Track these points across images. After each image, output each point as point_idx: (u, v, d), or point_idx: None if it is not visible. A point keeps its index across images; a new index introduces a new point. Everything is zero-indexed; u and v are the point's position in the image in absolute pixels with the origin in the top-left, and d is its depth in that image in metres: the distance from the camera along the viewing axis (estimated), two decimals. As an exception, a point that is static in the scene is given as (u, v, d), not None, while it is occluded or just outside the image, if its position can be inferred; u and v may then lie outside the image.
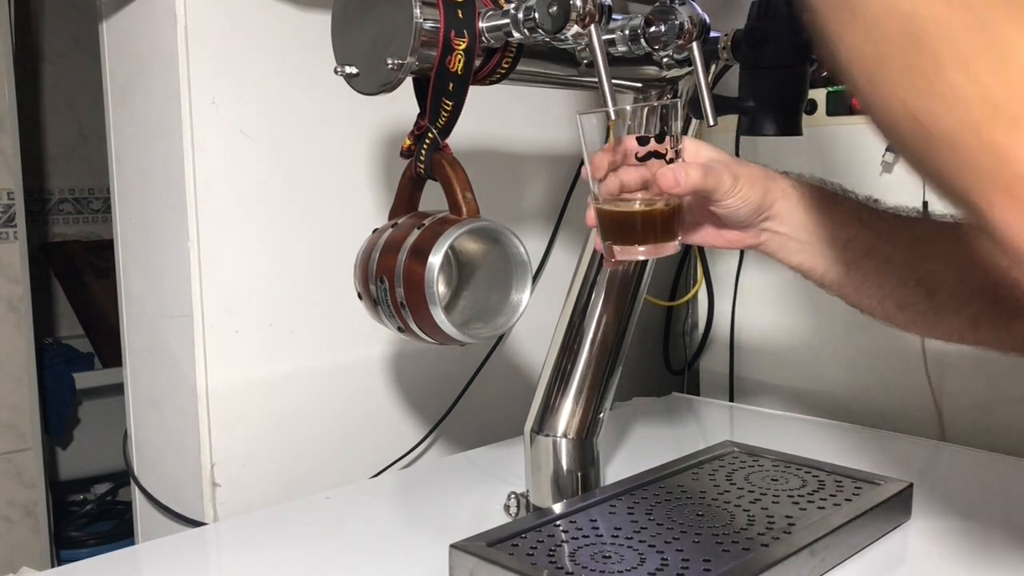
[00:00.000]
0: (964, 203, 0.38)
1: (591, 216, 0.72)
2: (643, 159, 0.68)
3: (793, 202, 0.72)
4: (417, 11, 0.70)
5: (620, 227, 0.70)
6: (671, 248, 0.70)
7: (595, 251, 0.94)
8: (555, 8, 0.70)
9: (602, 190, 0.70)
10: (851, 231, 0.72)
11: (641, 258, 0.71)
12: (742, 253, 1.38)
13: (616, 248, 0.70)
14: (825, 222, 0.72)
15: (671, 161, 0.68)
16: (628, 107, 0.69)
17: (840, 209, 0.73)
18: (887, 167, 1.19)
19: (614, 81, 0.71)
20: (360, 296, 0.80)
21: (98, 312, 2.41)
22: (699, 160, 0.70)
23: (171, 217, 1.05)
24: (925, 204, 1.15)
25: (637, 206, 0.69)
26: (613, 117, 0.69)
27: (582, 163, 0.72)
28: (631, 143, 0.69)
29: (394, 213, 0.81)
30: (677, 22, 0.78)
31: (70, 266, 2.49)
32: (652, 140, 0.68)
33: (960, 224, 0.72)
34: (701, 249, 1.44)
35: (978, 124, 0.35)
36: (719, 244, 0.77)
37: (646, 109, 0.71)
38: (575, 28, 0.70)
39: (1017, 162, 0.34)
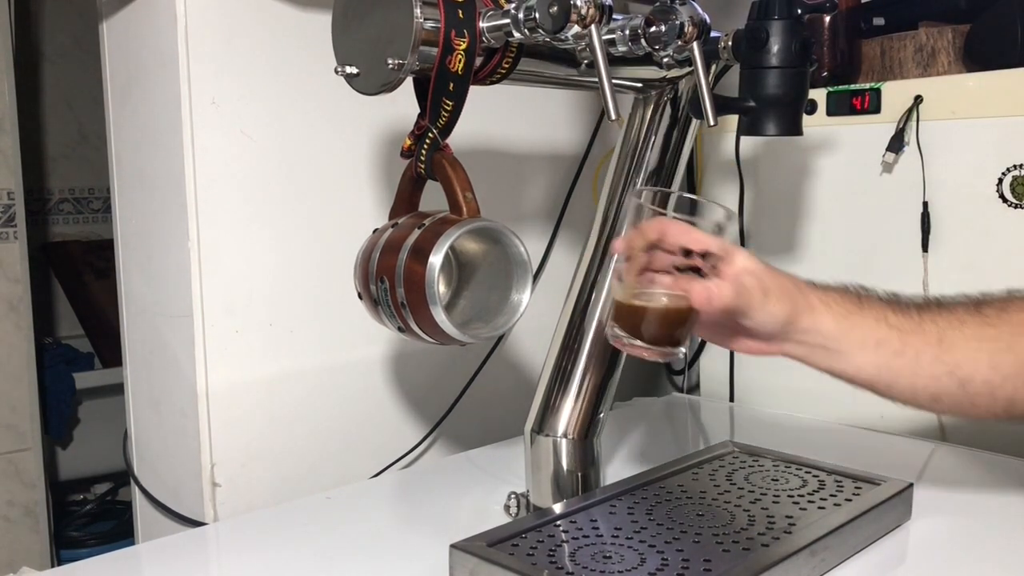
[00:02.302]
0: None
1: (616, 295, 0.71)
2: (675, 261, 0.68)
3: (820, 315, 0.73)
4: (417, 11, 0.70)
5: (632, 317, 0.69)
6: (675, 355, 0.70)
7: (595, 251, 0.94)
8: (555, 8, 0.70)
9: (626, 273, 0.69)
10: (879, 334, 0.73)
11: (644, 356, 0.70)
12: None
13: (621, 334, 0.70)
14: (853, 329, 0.73)
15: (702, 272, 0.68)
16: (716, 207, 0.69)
17: (867, 313, 0.73)
18: (887, 167, 1.19)
19: (614, 81, 0.71)
20: (360, 296, 0.80)
21: (98, 312, 2.41)
22: (733, 271, 0.70)
23: (171, 217, 1.05)
24: (925, 204, 1.16)
25: (658, 301, 0.69)
26: (613, 117, 0.69)
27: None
28: (673, 233, 0.68)
29: (394, 213, 0.81)
30: (677, 22, 0.79)
31: (70, 266, 2.49)
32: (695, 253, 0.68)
33: (982, 305, 0.73)
34: (701, 249, 1.44)
35: None
36: (742, 350, 0.77)
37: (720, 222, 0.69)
38: (575, 28, 0.70)
39: None
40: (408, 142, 0.78)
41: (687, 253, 0.68)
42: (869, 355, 0.73)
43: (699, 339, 1.46)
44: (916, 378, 0.73)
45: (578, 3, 0.69)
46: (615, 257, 0.71)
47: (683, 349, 0.71)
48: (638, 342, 0.69)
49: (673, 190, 0.70)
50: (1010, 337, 0.72)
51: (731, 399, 1.42)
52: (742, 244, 1.38)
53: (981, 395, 0.73)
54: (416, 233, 0.73)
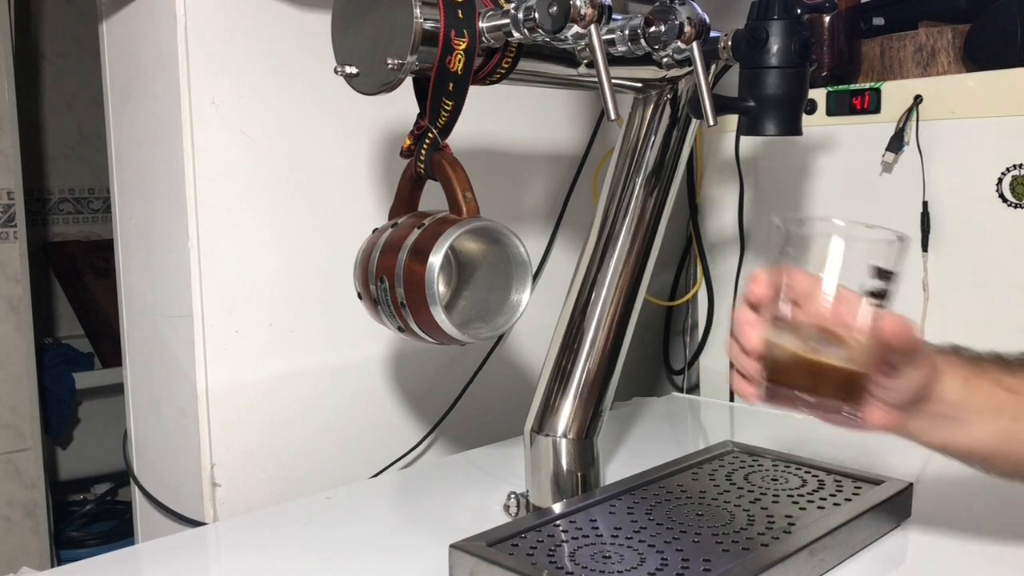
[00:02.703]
0: None
1: (753, 342, 0.63)
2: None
3: (946, 379, 0.66)
4: (417, 11, 0.70)
5: (808, 375, 0.61)
6: (852, 421, 0.63)
7: (595, 251, 0.94)
8: (555, 8, 0.70)
9: (797, 320, 0.61)
10: (997, 399, 0.67)
11: (830, 421, 0.63)
12: (742, 252, 1.38)
13: (782, 391, 0.63)
14: (975, 393, 0.67)
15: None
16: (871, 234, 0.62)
17: (985, 375, 0.68)
18: (887, 167, 1.19)
19: (614, 81, 0.71)
20: (360, 296, 0.80)
21: (98, 312, 2.41)
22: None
23: (171, 217, 1.05)
24: (925, 204, 1.16)
25: (837, 360, 0.61)
26: (613, 117, 0.69)
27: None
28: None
29: (394, 213, 0.81)
30: (677, 22, 0.78)
31: (70, 266, 2.49)
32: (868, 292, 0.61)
33: None
34: (701, 249, 1.44)
35: None
36: (871, 423, 0.66)
37: (883, 242, 0.63)
38: (575, 28, 0.70)
39: None
40: (408, 142, 0.78)
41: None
42: (988, 423, 0.67)
43: (699, 339, 1.47)
44: None
45: (578, 3, 0.69)
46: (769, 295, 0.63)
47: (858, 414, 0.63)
48: (821, 401, 0.62)
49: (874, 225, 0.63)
50: None
51: (731, 399, 1.42)
52: (742, 245, 1.38)
53: None
54: (416, 233, 0.73)
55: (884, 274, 0.62)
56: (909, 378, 0.64)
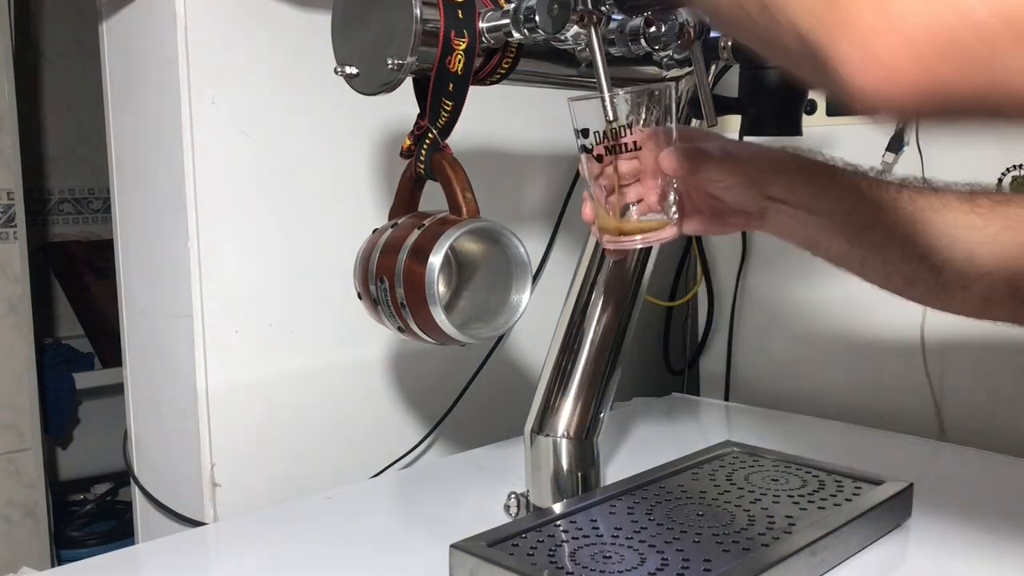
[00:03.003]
0: (804, 47, 0.37)
1: (587, 212, 0.72)
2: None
3: (791, 178, 0.70)
4: (417, 11, 0.70)
5: (620, 228, 0.70)
6: (669, 233, 0.69)
7: (595, 251, 0.94)
8: (555, 8, 0.70)
9: (596, 190, 0.70)
10: (850, 203, 0.70)
11: (640, 246, 0.71)
12: (743, 254, 1.38)
13: (613, 240, 0.71)
14: (824, 195, 0.70)
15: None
16: (622, 92, 0.68)
17: (839, 181, 0.70)
18: (887, 167, 1.19)
19: (613, 80, 0.71)
20: (360, 296, 0.80)
21: (98, 312, 2.41)
22: (694, 135, 0.69)
23: (171, 217, 1.05)
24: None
25: (635, 215, 0.69)
26: (611, 117, 0.69)
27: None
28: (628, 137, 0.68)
29: (394, 213, 0.81)
30: (677, 22, 0.78)
31: (70, 266, 2.49)
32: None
33: (978, 195, 0.69)
34: (701, 249, 1.44)
35: None
36: (720, 230, 0.75)
37: (645, 95, 0.69)
38: (575, 28, 0.70)
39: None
40: (408, 142, 0.78)
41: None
42: (839, 226, 0.70)
43: (699, 339, 1.47)
44: (887, 254, 0.70)
45: (578, 3, 0.69)
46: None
47: (674, 229, 0.70)
48: (638, 238, 0.69)
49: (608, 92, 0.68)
50: (998, 230, 0.67)
51: (731, 399, 1.42)
52: (744, 245, 1.38)
53: (953, 286, 0.69)
54: (416, 233, 0.73)
55: (582, 131, 0.68)
56: (730, 182, 0.69)
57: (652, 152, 0.67)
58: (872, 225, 0.69)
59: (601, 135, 0.68)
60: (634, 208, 0.70)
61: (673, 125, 0.69)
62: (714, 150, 0.69)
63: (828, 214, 0.70)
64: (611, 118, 0.68)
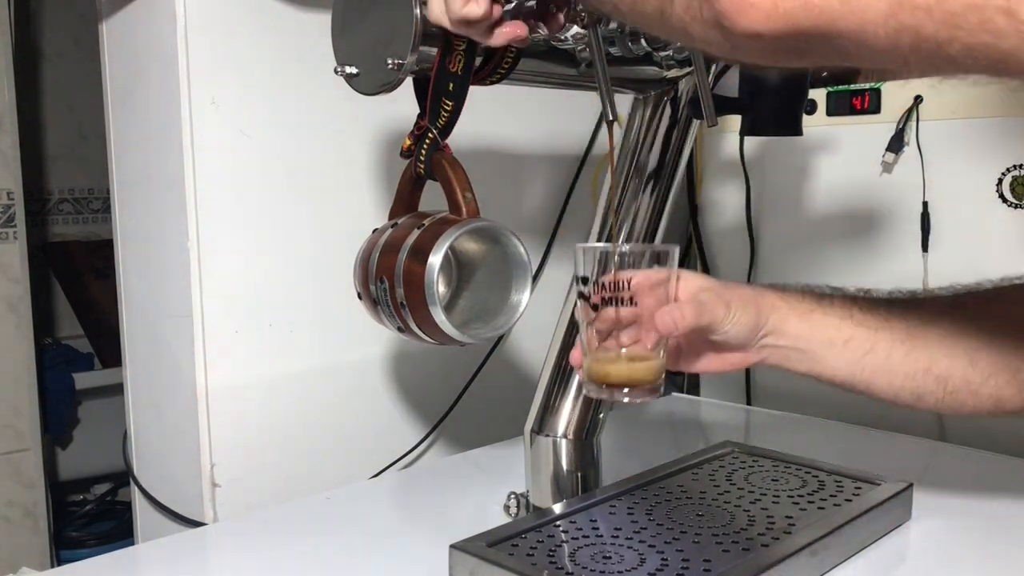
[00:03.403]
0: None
1: (576, 356, 0.72)
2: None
3: (784, 314, 0.72)
4: (417, 11, 0.70)
5: (617, 376, 0.70)
6: (655, 392, 0.70)
7: (595, 251, 0.94)
8: (555, 8, 0.70)
9: (589, 335, 0.70)
10: (847, 331, 0.72)
11: (624, 400, 0.71)
12: (753, 253, 1.38)
13: (597, 388, 0.70)
14: (820, 327, 0.72)
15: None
16: (626, 247, 0.70)
17: (831, 311, 0.73)
18: (887, 167, 1.19)
19: (613, 81, 0.71)
20: (360, 296, 0.80)
21: (98, 312, 2.41)
22: (689, 292, 0.70)
23: (171, 217, 1.05)
24: (925, 204, 1.16)
25: (624, 360, 0.69)
26: (611, 118, 0.69)
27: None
28: (628, 277, 0.68)
29: (394, 213, 0.81)
30: (677, 22, 0.78)
31: (70, 266, 2.49)
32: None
33: (964, 299, 0.72)
34: (701, 249, 1.44)
35: None
36: (723, 368, 0.75)
37: (640, 251, 0.71)
38: (575, 28, 0.70)
39: None
40: (408, 142, 0.78)
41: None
42: (839, 354, 0.72)
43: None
44: (892, 376, 0.72)
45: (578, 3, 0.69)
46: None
47: (661, 390, 0.71)
48: (625, 391, 0.70)
49: (615, 245, 0.71)
50: (991, 330, 0.70)
51: (731, 399, 1.42)
52: (752, 245, 1.38)
53: (962, 392, 0.71)
54: (416, 233, 0.73)
55: (582, 279, 0.69)
56: (731, 326, 0.70)
57: (649, 305, 0.68)
58: (872, 350, 0.71)
59: (600, 286, 0.68)
60: (624, 352, 0.70)
61: (672, 278, 0.69)
62: (711, 299, 0.70)
63: (827, 346, 0.72)
64: (611, 118, 0.69)
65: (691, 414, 1.40)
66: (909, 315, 0.72)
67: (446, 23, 0.66)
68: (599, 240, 0.92)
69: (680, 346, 0.73)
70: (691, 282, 0.71)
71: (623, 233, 0.93)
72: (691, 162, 1.41)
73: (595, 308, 0.69)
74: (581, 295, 0.70)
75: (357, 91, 0.76)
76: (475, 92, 0.75)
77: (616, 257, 0.68)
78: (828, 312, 0.72)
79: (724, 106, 0.84)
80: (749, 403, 1.41)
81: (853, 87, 1.22)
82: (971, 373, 0.70)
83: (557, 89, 0.90)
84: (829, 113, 1.24)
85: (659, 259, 0.70)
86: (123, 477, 1.33)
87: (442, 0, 0.65)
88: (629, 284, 0.67)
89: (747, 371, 1.41)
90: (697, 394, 1.49)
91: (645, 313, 0.68)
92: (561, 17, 0.70)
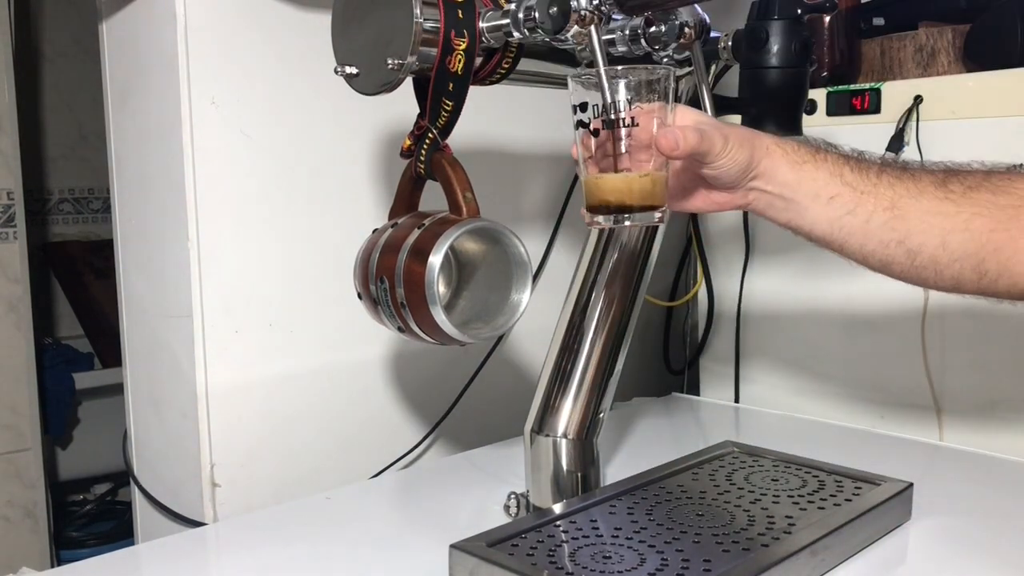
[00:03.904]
0: None
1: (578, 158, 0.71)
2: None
3: (777, 159, 0.72)
4: (417, 11, 0.70)
5: (616, 192, 0.69)
6: (657, 216, 0.69)
7: (595, 251, 0.94)
8: (555, 8, 0.70)
9: (589, 164, 0.69)
10: (833, 189, 0.72)
11: (627, 223, 0.70)
12: (747, 254, 1.38)
13: (601, 218, 0.70)
14: (808, 179, 0.72)
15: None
16: (622, 72, 0.68)
17: (823, 166, 0.73)
18: (887, 167, 1.19)
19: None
20: (360, 296, 0.80)
21: (98, 312, 2.41)
22: (688, 122, 0.70)
23: (171, 217, 1.05)
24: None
25: (624, 178, 0.68)
26: (612, 117, 0.69)
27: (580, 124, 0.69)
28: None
29: (394, 213, 0.81)
30: (677, 22, 0.78)
31: (70, 266, 2.49)
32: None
33: (951, 180, 0.71)
34: (701, 249, 1.44)
35: None
36: (708, 208, 0.76)
37: (644, 78, 0.69)
38: (575, 28, 0.70)
39: None
40: (408, 142, 0.78)
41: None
42: (822, 209, 0.72)
43: (699, 339, 1.47)
44: (867, 240, 0.73)
45: (578, 4, 0.69)
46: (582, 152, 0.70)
47: (664, 211, 0.70)
48: (628, 216, 0.69)
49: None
50: (968, 218, 0.70)
51: (732, 399, 1.42)
52: (747, 245, 1.38)
53: (927, 269, 0.72)
54: (416, 233, 0.73)
55: (581, 105, 0.68)
56: (726, 160, 0.70)
57: (648, 128, 0.68)
58: (853, 211, 0.72)
59: (600, 109, 0.67)
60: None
61: (670, 106, 0.69)
62: (711, 130, 0.70)
63: (812, 198, 0.72)
64: (612, 117, 0.68)
65: (691, 414, 1.40)
66: (897, 185, 0.72)
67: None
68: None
69: (669, 179, 0.73)
70: (689, 114, 0.71)
71: (623, 234, 0.93)
72: (691, 162, 1.41)
73: (595, 134, 0.68)
74: (580, 123, 0.69)
75: (357, 91, 0.76)
76: (475, 92, 0.75)
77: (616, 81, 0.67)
78: (820, 166, 0.73)
79: (724, 106, 0.84)
80: (749, 403, 1.41)
81: (853, 87, 1.22)
82: (940, 253, 0.71)
83: (557, 89, 0.90)
84: (829, 113, 1.24)
85: (657, 84, 0.69)
86: (123, 477, 1.33)
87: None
88: (631, 104, 0.67)
89: (736, 372, 1.41)
90: (697, 394, 1.49)
91: (645, 136, 0.68)
92: None
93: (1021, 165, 0.77)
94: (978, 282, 0.71)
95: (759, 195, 0.73)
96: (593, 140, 0.68)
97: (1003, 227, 0.70)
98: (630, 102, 0.67)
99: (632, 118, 0.67)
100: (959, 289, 0.73)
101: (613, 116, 0.67)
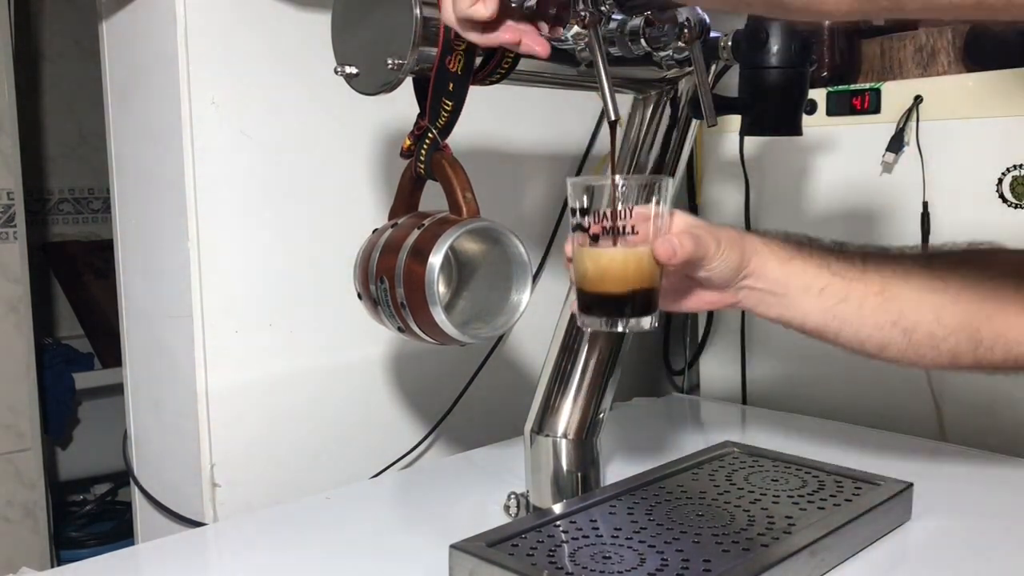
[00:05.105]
0: None
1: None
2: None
3: (765, 257, 0.74)
4: (417, 11, 0.70)
5: (602, 302, 0.69)
6: (647, 324, 0.70)
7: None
8: (555, 9, 0.70)
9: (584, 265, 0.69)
10: (822, 280, 0.74)
11: (619, 329, 0.70)
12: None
13: (590, 320, 0.70)
14: (798, 273, 0.74)
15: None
16: (621, 179, 0.68)
17: (810, 260, 0.75)
18: (887, 167, 1.19)
19: (614, 81, 0.71)
20: (360, 296, 0.80)
21: (98, 312, 2.41)
22: (682, 227, 0.71)
23: (171, 217, 1.05)
24: (925, 204, 1.16)
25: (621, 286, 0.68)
26: (613, 118, 0.69)
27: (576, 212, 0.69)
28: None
29: (394, 213, 0.81)
30: (677, 22, 0.78)
31: (70, 266, 2.49)
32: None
33: (935, 260, 0.73)
34: (701, 249, 1.43)
35: None
36: (700, 307, 0.78)
37: (636, 183, 0.70)
38: (575, 28, 0.70)
39: None
40: (408, 142, 0.78)
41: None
42: (814, 301, 0.74)
43: (699, 339, 1.47)
44: (862, 326, 0.74)
45: (578, 4, 0.69)
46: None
47: (655, 319, 0.70)
48: (615, 319, 0.69)
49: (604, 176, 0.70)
50: (958, 291, 0.72)
51: (731, 399, 1.42)
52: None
53: (924, 346, 0.74)
54: (416, 233, 0.73)
55: (582, 211, 0.68)
56: (719, 262, 0.71)
57: (645, 235, 0.69)
58: (846, 299, 0.74)
59: (600, 215, 0.68)
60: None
61: (666, 211, 0.70)
62: (704, 234, 0.71)
63: (803, 291, 0.74)
64: (612, 118, 0.68)
65: (691, 414, 1.40)
66: (884, 269, 0.74)
67: (452, 23, 0.65)
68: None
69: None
70: (682, 218, 0.72)
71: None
72: (691, 162, 1.41)
73: (595, 239, 0.68)
74: (578, 227, 0.68)
75: (357, 91, 0.76)
76: (475, 92, 0.75)
77: (615, 189, 0.67)
78: (807, 260, 0.74)
79: (724, 106, 0.84)
80: (748, 403, 1.41)
81: (853, 87, 1.22)
82: (936, 328, 0.73)
83: (557, 89, 0.90)
84: (829, 113, 1.24)
85: (654, 190, 0.69)
86: (123, 477, 1.33)
87: (450, 0, 0.65)
88: (631, 213, 0.67)
89: (743, 372, 1.41)
90: (697, 394, 1.49)
91: (641, 241, 0.68)
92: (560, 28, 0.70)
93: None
94: (974, 352, 0.73)
95: (749, 292, 0.75)
96: (592, 244, 0.68)
97: (992, 297, 0.72)
98: (630, 211, 0.67)
99: (632, 227, 0.67)
100: (957, 362, 0.74)
101: (613, 224, 0.67)
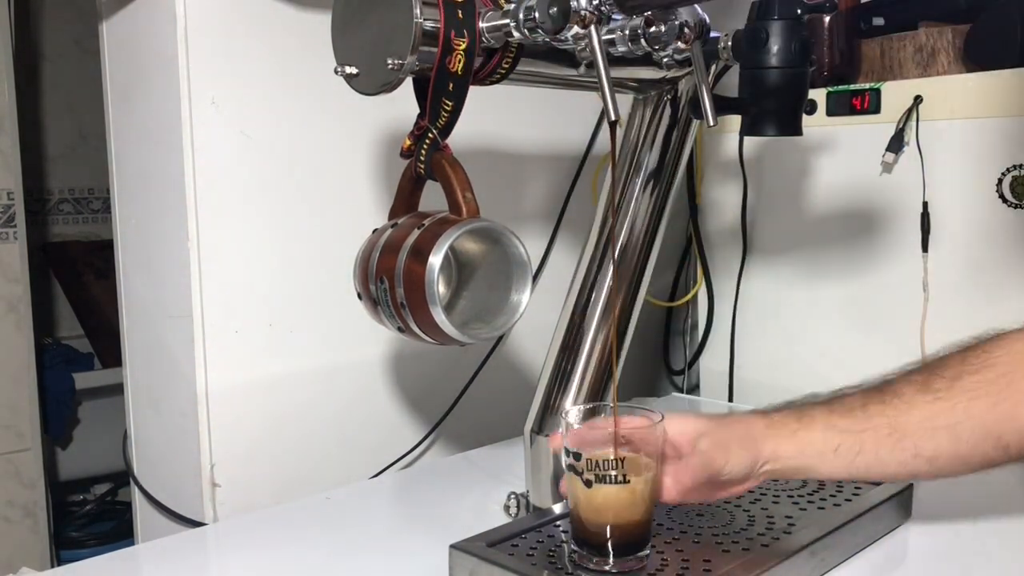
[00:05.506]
0: None
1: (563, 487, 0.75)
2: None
3: (775, 441, 0.75)
4: (417, 11, 0.70)
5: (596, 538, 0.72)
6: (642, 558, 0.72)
7: (595, 251, 0.94)
8: (555, 9, 0.70)
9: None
10: (833, 440, 0.74)
11: (606, 567, 0.72)
12: (744, 256, 1.38)
13: (580, 553, 0.72)
14: (808, 443, 0.75)
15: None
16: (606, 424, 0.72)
17: (814, 425, 0.75)
18: (887, 167, 1.19)
19: (614, 81, 0.71)
20: (360, 296, 0.80)
21: (98, 312, 2.41)
22: (687, 438, 0.74)
23: (171, 217, 1.05)
24: (925, 204, 1.16)
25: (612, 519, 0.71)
26: (613, 118, 0.69)
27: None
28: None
29: (394, 213, 0.81)
30: (677, 22, 0.78)
31: (70, 266, 2.49)
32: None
33: (933, 379, 0.73)
34: (701, 249, 1.44)
35: None
36: (727, 496, 0.78)
37: (638, 436, 0.73)
38: (575, 28, 0.70)
39: None
40: (408, 142, 0.78)
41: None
42: (832, 462, 0.74)
43: (699, 339, 1.47)
44: (886, 467, 0.75)
45: (578, 4, 0.69)
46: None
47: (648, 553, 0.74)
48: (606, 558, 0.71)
49: (606, 404, 0.76)
50: (966, 405, 0.72)
51: (731, 399, 1.42)
52: (744, 245, 1.38)
53: (952, 466, 0.74)
54: (416, 233, 0.73)
55: (575, 455, 0.71)
56: (732, 468, 0.74)
57: (639, 485, 0.71)
58: (861, 451, 0.74)
59: (592, 463, 0.70)
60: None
61: (661, 432, 0.73)
62: (710, 448, 0.74)
63: (819, 458, 0.75)
64: (612, 118, 0.68)
65: (691, 414, 1.40)
66: (886, 410, 0.74)
67: None
68: (597, 251, 0.93)
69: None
70: (687, 425, 0.75)
71: (623, 233, 0.93)
72: (691, 162, 1.41)
73: (588, 485, 0.70)
74: (571, 468, 0.71)
75: (357, 91, 0.76)
76: (475, 92, 0.75)
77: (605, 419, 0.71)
78: (811, 428, 0.75)
79: (724, 106, 0.84)
80: (748, 403, 1.41)
81: (853, 87, 1.22)
82: (958, 447, 0.73)
83: (557, 89, 0.90)
84: (829, 113, 1.23)
85: (648, 439, 0.73)
86: (123, 477, 1.33)
87: None
88: (623, 463, 0.70)
89: (731, 369, 1.41)
90: (697, 394, 1.49)
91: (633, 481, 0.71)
92: None
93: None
94: (1006, 453, 0.73)
95: (771, 472, 0.76)
96: (587, 488, 0.70)
97: (1003, 398, 0.72)
98: (621, 461, 0.70)
99: (624, 475, 0.70)
100: (992, 465, 0.74)
101: (608, 472, 0.70)
